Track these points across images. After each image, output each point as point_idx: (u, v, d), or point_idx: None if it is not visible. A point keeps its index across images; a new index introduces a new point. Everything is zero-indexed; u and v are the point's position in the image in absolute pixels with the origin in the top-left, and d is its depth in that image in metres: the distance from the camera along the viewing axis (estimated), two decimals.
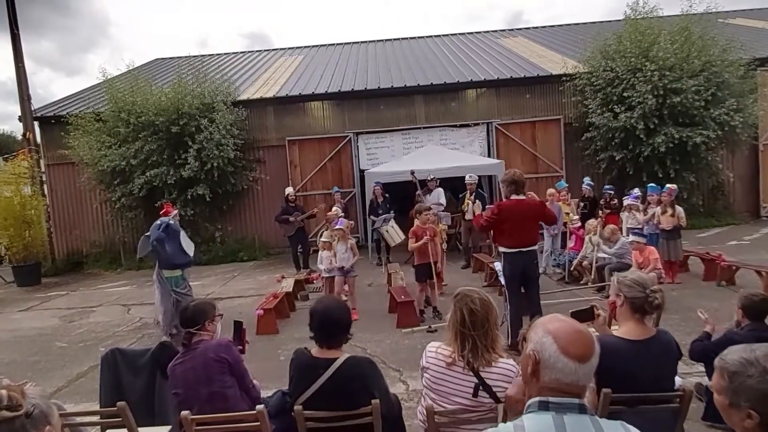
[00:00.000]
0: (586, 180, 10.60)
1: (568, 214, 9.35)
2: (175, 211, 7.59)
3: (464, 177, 10.46)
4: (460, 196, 10.86)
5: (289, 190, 11.22)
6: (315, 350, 2.82)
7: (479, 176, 13.04)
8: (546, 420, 1.39)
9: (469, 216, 10.22)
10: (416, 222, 7.46)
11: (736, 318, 3.82)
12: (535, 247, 5.65)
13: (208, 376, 2.99)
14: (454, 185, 12.24)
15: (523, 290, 5.67)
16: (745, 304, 3.71)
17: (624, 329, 2.75)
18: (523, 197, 5.56)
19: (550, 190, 9.95)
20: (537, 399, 1.44)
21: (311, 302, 8.39)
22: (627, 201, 9.18)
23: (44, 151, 14.51)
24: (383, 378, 2.90)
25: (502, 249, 5.66)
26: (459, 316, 2.63)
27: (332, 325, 2.79)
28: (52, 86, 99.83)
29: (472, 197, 10.15)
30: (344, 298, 7.18)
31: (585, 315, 2.98)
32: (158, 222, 7.17)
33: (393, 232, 9.98)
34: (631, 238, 7.72)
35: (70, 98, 16.10)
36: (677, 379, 2.83)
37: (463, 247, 10.59)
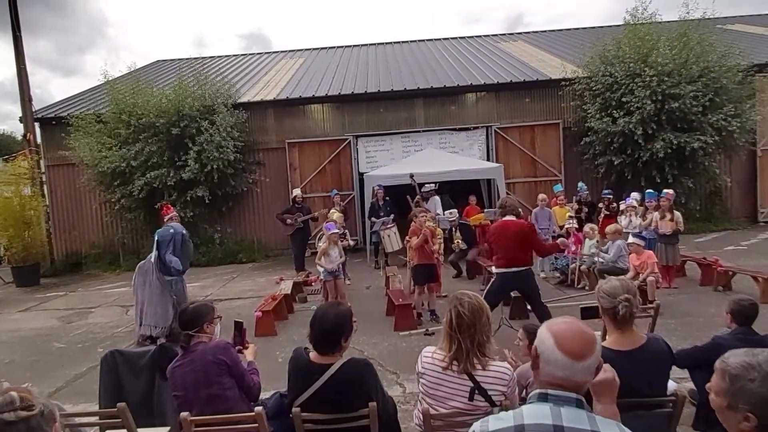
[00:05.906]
0: (581, 185, 10.56)
1: (571, 217, 9.33)
2: (174, 212, 7.64)
3: (464, 181, 10.27)
4: (448, 230, 10.20)
5: (297, 191, 11.22)
6: (313, 354, 2.84)
7: (478, 180, 13.14)
8: (544, 409, 1.49)
9: (459, 247, 9.83)
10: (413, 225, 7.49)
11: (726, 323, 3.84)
12: (527, 268, 5.73)
13: (207, 379, 3.01)
14: (453, 189, 12.26)
15: (528, 307, 6.13)
16: (734, 308, 3.72)
17: (611, 338, 2.69)
18: (512, 218, 5.76)
19: (541, 195, 9.96)
20: (537, 391, 1.54)
21: (309, 304, 8.46)
22: (623, 205, 9.22)
23: (44, 152, 14.52)
24: (379, 381, 2.92)
25: (495, 270, 5.91)
26: (448, 318, 2.68)
27: (326, 334, 2.79)
28: (49, 86, 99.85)
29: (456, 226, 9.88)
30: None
31: (591, 312, 3.03)
32: (171, 231, 7.16)
33: (393, 239, 10.04)
34: (631, 239, 7.76)
35: (71, 99, 16.13)
36: (672, 384, 2.84)
37: (452, 263, 10.06)
